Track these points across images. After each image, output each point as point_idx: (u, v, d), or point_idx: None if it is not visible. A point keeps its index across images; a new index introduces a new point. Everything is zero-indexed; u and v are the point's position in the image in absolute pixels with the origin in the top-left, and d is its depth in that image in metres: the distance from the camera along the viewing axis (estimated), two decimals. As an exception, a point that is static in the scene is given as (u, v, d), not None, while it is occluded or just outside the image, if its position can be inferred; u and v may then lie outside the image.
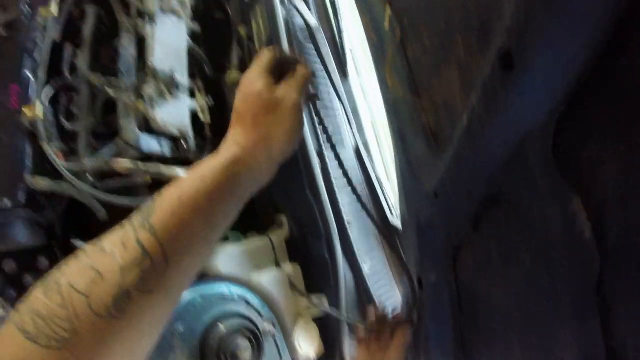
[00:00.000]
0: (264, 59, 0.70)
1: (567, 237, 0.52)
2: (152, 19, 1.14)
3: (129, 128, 1.02)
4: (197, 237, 0.54)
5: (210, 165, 0.58)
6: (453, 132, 0.73)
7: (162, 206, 0.53)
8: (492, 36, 0.56)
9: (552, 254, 0.56)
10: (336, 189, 1.14)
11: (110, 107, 1.09)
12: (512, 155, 0.59)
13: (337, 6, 1.35)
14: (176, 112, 1.10)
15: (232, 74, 1.26)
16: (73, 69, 1.13)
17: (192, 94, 1.21)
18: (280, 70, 0.71)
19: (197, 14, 1.29)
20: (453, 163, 0.73)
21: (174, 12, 1.19)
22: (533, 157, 0.54)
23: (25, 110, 0.99)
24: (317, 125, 1.13)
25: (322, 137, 1.13)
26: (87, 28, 1.17)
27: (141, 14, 1.18)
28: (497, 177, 0.64)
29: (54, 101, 1.07)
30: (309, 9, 1.24)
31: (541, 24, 0.45)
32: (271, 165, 0.65)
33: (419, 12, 0.89)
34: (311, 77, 0.72)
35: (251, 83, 0.67)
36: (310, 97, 0.78)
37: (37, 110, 0.99)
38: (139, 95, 1.07)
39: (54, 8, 1.11)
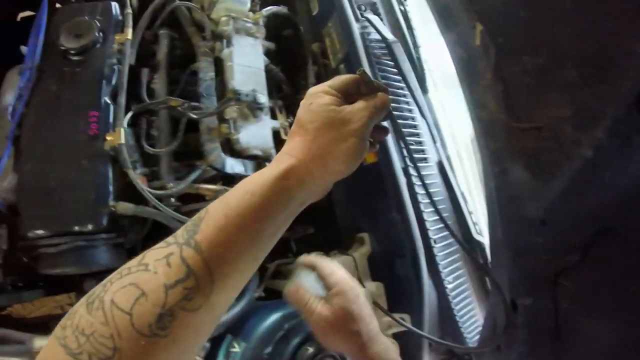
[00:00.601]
0: (337, 78, 0.63)
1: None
2: (228, 41, 1.08)
3: (214, 152, 0.95)
4: (243, 255, 0.49)
5: (260, 179, 0.52)
6: (561, 158, 0.67)
7: (208, 223, 0.48)
8: (617, 70, 0.52)
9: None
10: (421, 206, 1.07)
11: (188, 127, 1.03)
12: (636, 191, 0.53)
13: (410, 20, 1.28)
14: (259, 133, 1.03)
15: (310, 91, 1.20)
16: (150, 92, 1.09)
17: (272, 113, 1.14)
18: (356, 93, 0.64)
19: (269, 32, 1.23)
20: (568, 192, 0.66)
21: (249, 32, 1.13)
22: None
23: (108, 137, 0.94)
24: (400, 142, 1.05)
25: (406, 154, 1.05)
26: (161, 52, 1.12)
27: (216, 37, 1.12)
28: (616, 210, 0.58)
29: (133, 125, 1.02)
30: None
31: None
32: (325, 183, 0.59)
33: (518, 32, 0.80)
34: (388, 106, 0.63)
35: (319, 95, 0.60)
36: (381, 130, 0.68)
37: (120, 136, 0.92)
38: (221, 118, 1.01)
39: (129, 33, 1.07)
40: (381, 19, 1.20)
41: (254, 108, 1.01)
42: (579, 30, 0.64)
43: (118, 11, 1.12)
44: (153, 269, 0.45)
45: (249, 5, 1.16)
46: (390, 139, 1.04)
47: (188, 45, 1.16)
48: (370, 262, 1.10)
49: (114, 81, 1.02)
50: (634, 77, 0.53)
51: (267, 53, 1.20)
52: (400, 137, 1.04)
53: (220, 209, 0.49)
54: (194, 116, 0.98)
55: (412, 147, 1.08)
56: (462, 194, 1.17)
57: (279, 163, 0.54)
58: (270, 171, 0.53)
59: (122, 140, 0.92)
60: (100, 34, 1.06)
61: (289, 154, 0.56)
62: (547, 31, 0.71)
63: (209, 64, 1.06)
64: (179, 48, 1.17)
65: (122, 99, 0.98)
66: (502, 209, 0.93)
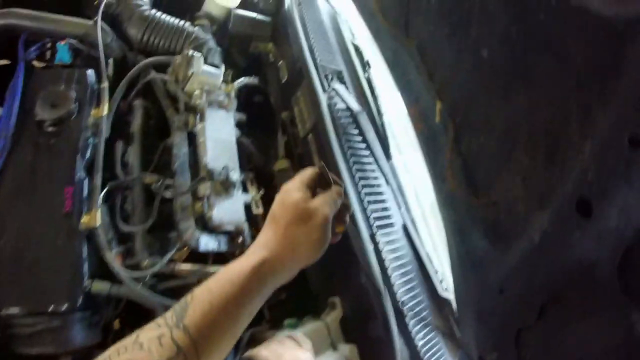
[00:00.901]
0: (306, 173, 0.73)
1: (626, 341, 0.52)
2: (201, 115, 1.09)
3: (189, 230, 0.95)
4: (225, 335, 0.57)
5: (239, 269, 0.60)
6: (516, 232, 0.71)
7: (195, 308, 0.56)
8: (562, 159, 0.56)
9: (612, 353, 0.56)
10: (389, 270, 1.08)
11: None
12: (580, 270, 0.57)
13: (375, 87, 1.30)
14: (231, 209, 1.03)
15: (279, 163, 1.21)
16: (124, 165, 1.08)
17: (244, 186, 1.15)
18: (319, 185, 0.73)
19: (239, 101, 1.24)
20: (521, 266, 0.71)
21: (221, 105, 1.14)
22: (599, 275, 0.53)
23: (84, 218, 0.93)
24: (366, 210, 1.07)
25: (372, 221, 1.07)
26: (136, 123, 1.12)
27: (189, 109, 1.13)
28: (565, 283, 0.62)
29: (107, 199, 1.00)
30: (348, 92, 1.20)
31: (621, 186, 0.46)
32: (295, 269, 0.66)
33: (476, 113, 0.84)
34: (343, 194, 0.73)
35: (290, 192, 0.69)
36: (344, 209, 0.76)
37: (96, 218, 0.92)
38: (195, 194, 1.01)
39: (105, 108, 1.06)
40: (347, 87, 1.22)
41: (226, 185, 1.01)
42: (532, 121, 0.67)
43: (94, 80, 1.11)
44: (147, 348, 0.51)
45: (221, 77, 1.17)
46: (356, 208, 1.05)
47: (162, 115, 1.16)
48: (343, 325, 1.11)
49: (88, 155, 1.01)
50: (577, 182, 0.56)
51: (239, 124, 1.21)
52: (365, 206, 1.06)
53: (205, 296, 0.57)
54: (168, 195, 0.98)
55: (377, 213, 1.09)
56: (427, 254, 1.19)
57: (255, 254, 0.63)
58: (247, 262, 0.61)
59: (98, 223, 0.91)
60: (76, 104, 1.05)
61: (264, 246, 0.64)
62: (502, 116, 0.75)
63: (182, 140, 1.07)
64: (153, 118, 1.17)
65: (98, 178, 0.97)
66: (465, 275, 0.96)
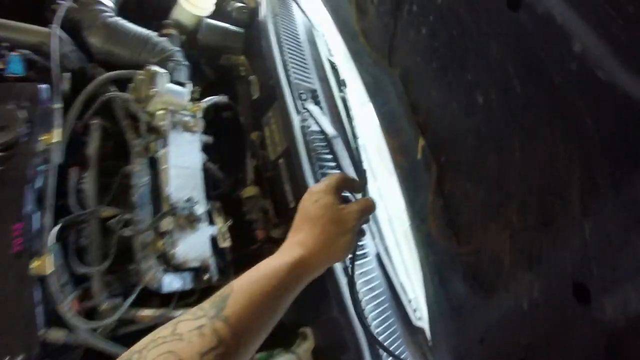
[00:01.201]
0: (336, 178, 0.73)
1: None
2: (164, 139, 0.96)
3: (150, 271, 0.84)
4: (262, 327, 0.57)
5: (277, 264, 0.60)
6: (499, 283, 0.64)
7: (236, 300, 0.55)
8: (557, 230, 0.51)
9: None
10: (363, 301, 1.00)
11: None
12: (566, 341, 0.52)
13: (350, 108, 1.20)
14: (196, 244, 0.93)
15: (248, 190, 1.10)
16: (80, 190, 0.94)
17: (210, 216, 1.03)
18: (348, 190, 0.75)
19: (207, 119, 1.11)
20: (504, 323, 0.65)
21: (186, 127, 1.01)
22: (585, 353, 0.48)
23: (34, 263, 0.80)
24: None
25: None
26: (92, 145, 0.98)
27: (152, 129, 1.01)
28: (547, 346, 0.56)
29: (60, 235, 0.87)
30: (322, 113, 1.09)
31: (627, 286, 0.41)
32: (326, 267, 0.66)
33: (462, 157, 0.75)
34: (374, 209, 0.74)
35: (323, 194, 0.69)
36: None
37: (47, 265, 0.79)
38: (157, 230, 0.90)
39: (57, 134, 0.91)
40: (321, 108, 1.11)
41: (191, 219, 0.90)
42: (526, 181, 0.60)
43: (46, 96, 0.96)
44: (188, 339, 0.50)
45: (187, 97, 1.04)
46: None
47: (122, 136, 1.02)
48: (315, 357, 1.03)
49: (39, 185, 0.88)
50: (576, 260, 0.49)
51: (205, 148, 1.09)
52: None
53: (245, 288, 0.56)
54: (127, 233, 0.85)
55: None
56: (401, 283, 1.11)
57: (292, 251, 0.63)
58: (285, 258, 0.61)
59: (49, 270, 0.79)
60: (27, 125, 0.90)
61: (301, 244, 0.64)
62: (493, 166, 0.66)
63: (143, 167, 0.94)
64: (112, 139, 1.03)
65: (49, 217, 0.84)
66: (443, 318, 0.88)
